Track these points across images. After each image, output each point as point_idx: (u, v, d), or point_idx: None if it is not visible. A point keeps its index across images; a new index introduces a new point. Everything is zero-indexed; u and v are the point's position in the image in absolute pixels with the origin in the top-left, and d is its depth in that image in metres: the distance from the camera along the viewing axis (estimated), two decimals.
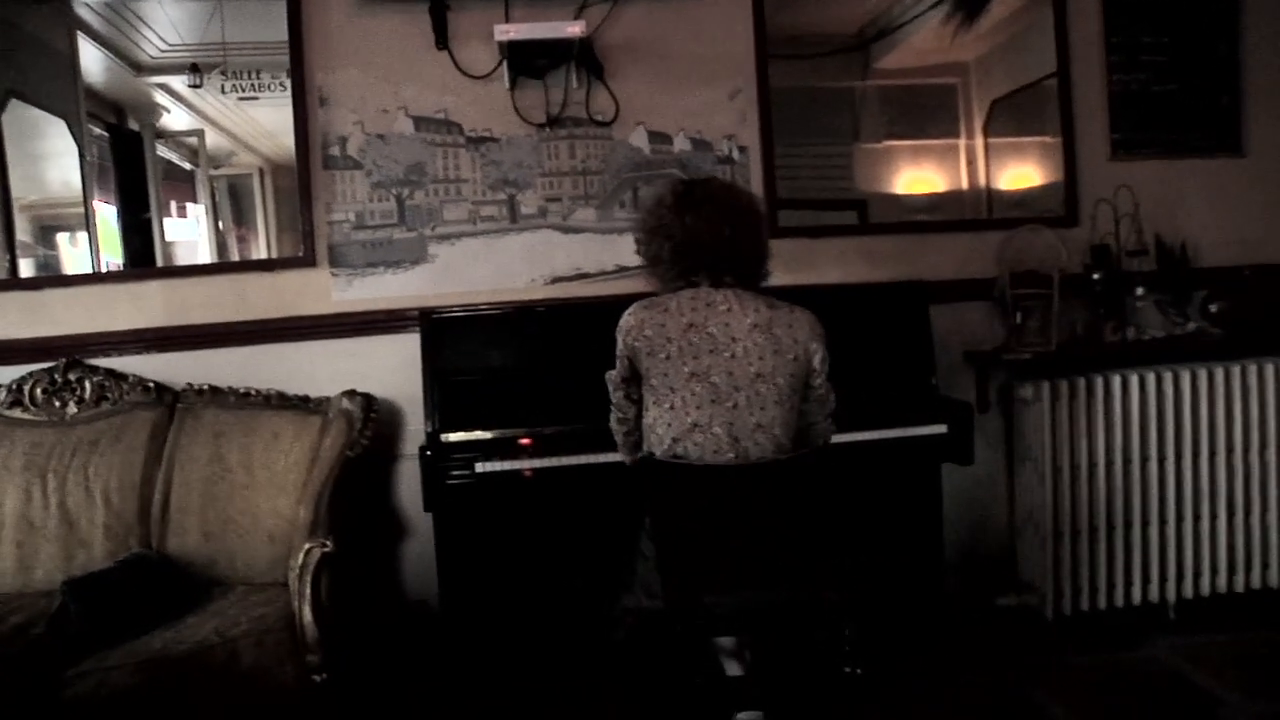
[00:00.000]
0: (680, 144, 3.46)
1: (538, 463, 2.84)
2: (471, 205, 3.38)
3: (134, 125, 3.31)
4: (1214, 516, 3.46)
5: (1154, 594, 3.43)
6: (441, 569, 3.07)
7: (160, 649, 2.41)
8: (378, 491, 3.35)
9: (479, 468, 2.82)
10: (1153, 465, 3.40)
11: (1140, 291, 3.50)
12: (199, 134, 3.32)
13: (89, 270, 3.28)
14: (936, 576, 3.29)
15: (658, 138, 3.46)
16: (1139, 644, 3.24)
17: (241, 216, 3.37)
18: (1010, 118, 3.63)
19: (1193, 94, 3.75)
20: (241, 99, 3.29)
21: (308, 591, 2.55)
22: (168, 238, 3.33)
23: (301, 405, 3.18)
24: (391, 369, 3.31)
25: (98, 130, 3.27)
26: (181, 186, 3.31)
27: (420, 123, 3.35)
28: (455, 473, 2.82)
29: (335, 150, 3.32)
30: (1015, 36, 3.63)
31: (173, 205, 3.33)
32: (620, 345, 2.34)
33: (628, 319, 2.33)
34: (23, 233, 3.28)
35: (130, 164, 3.27)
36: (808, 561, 2.30)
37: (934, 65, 3.64)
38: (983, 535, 3.65)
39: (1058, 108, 3.67)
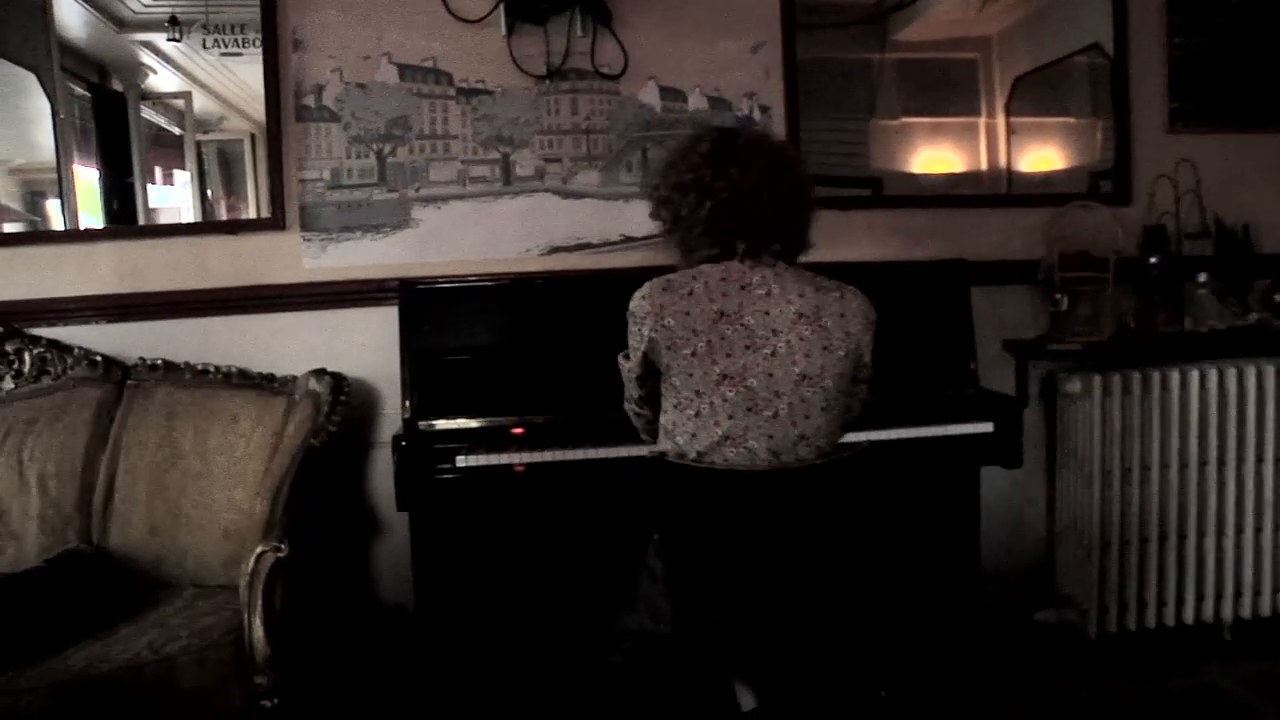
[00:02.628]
0: (696, 102, 3.11)
1: (530, 456, 2.50)
2: (461, 165, 3.03)
3: (118, 86, 3.00)
4: (1277, 528, 3.13)
5: (1208, 612, 3.11)
6: (418, 577, 2.74)
7: (82, 668, 2.06)
8: (350, 482, 3.01)
9: (462, 461, 2.47)
10: (1211, 470, 3.07)
11: (1203, 278, 3.16)
12: (186, 96, 3.01)
13: None
14: (972, 591, 2.97)
15: (670, 94, 3.10)
16: (1192, 669, 2.91)
17: (232, 184, 3.05)
18: (1034, 96, 3.35)
19: (1259, 61, 3.40)
20: (224, 54, 2.96)
21: (259, 602, 2.20)
22: (151, 204, 3.02)
23: (265, 385, 2.84)
24: (368, 346, 2.97)
25: (79, 90, 2.97)
26: (170, 152, 3.03)
27: (405, 71, 2.99)
28: (435, 466, 2.48)
29: (309, 100, 2.96)
30: (1043, 9, 3.34)
31: (159, 171, 3.04)
32: (635, 334, 1.94)
33: (643, 304, 1.92)
34: (9, 197, 2.97)
35: (114, 126, 2.99)
36: (845, 584, 1.97)
37: (955, 39, 3.35)
38: (1018, 542, 3.32)
39: (1088, 84, 3.37)
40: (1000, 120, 3.34)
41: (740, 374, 1.86)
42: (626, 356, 2.02)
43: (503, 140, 3.04)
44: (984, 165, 3.33)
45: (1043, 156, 3.39)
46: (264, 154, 2.96)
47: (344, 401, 2.71)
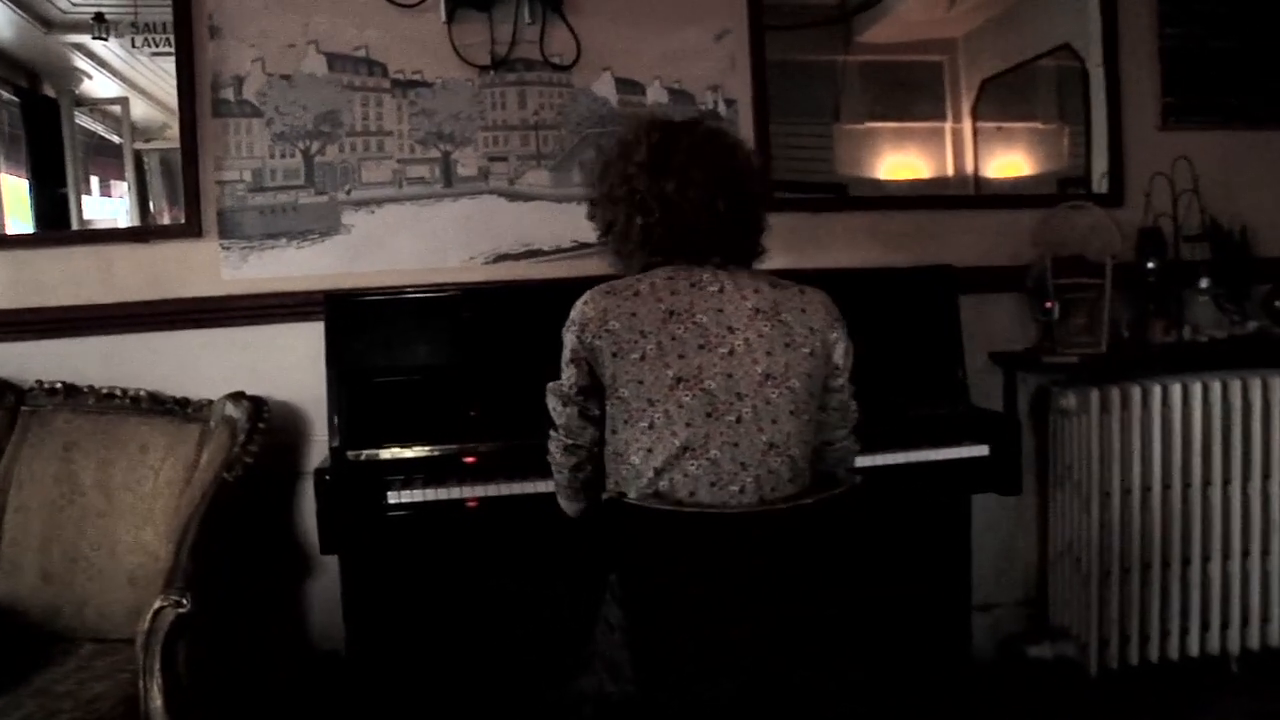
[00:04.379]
0: (655, 94, 2.84)
1: (476, 490, 2.21)
2: (396, 164, 2.75)
3: (50, 91, 2.74)
4: None
5: (1214, 644, 2.88)
6: (350, 625, 2.44)
7: None
8: (276, 517, 2.71)
9: (395, 496, 2.19)
10: (1215, 489, 2.85)
11: (1204, 284, 2.94)
12: (123, 102, 2.74)
13: None
14: (962, 628, 2.72)
15: (627, 86, 2.84)
16: (1203, 708, 2.69)
17: (176, 195, 2.74)
18: (1002, 100, 3.18)
19: (1255, 54, 3.20)
20: (155, 54, 2.68)
21: (156, 665, 1.90)
22: (85, 216, 2.74)
23: (179, 410, 2.53)
24: (295, 366, 2.67)
25: (6, 95, 2.72)
26: (110, 161, 2.78)
27: (335, 61, 2.71)
28: (366, 502, 2.19)
29: (228, 93, 2.67)
30: (1011, 9, 3.17)
31: (97, 181, 2.78)
32: (573, 345, 1.73)
33: (584, 310, 1.73)
34: None
35: (46, 134, 2.74)
36: (831, 633, 1.72)
37: (920, 41, 3.19)
38: (1007, 571, 3.08)
39: (1056, 88, 3.20)
40: (967, 125, 3.16)
41: (695, 376, 1.65)
42: (559, 382, 1.79)
43: (443, 137, 2.76)
44: (950, 171, 3.15)
45: (1010, 162, 3.20)
46: None
47: (263, 429, 2.42)
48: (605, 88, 2.83)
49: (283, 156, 2.70)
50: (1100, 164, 3.14)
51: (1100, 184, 3.13)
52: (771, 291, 1.74)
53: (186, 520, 2.17)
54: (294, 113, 2.70)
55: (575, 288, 2.52)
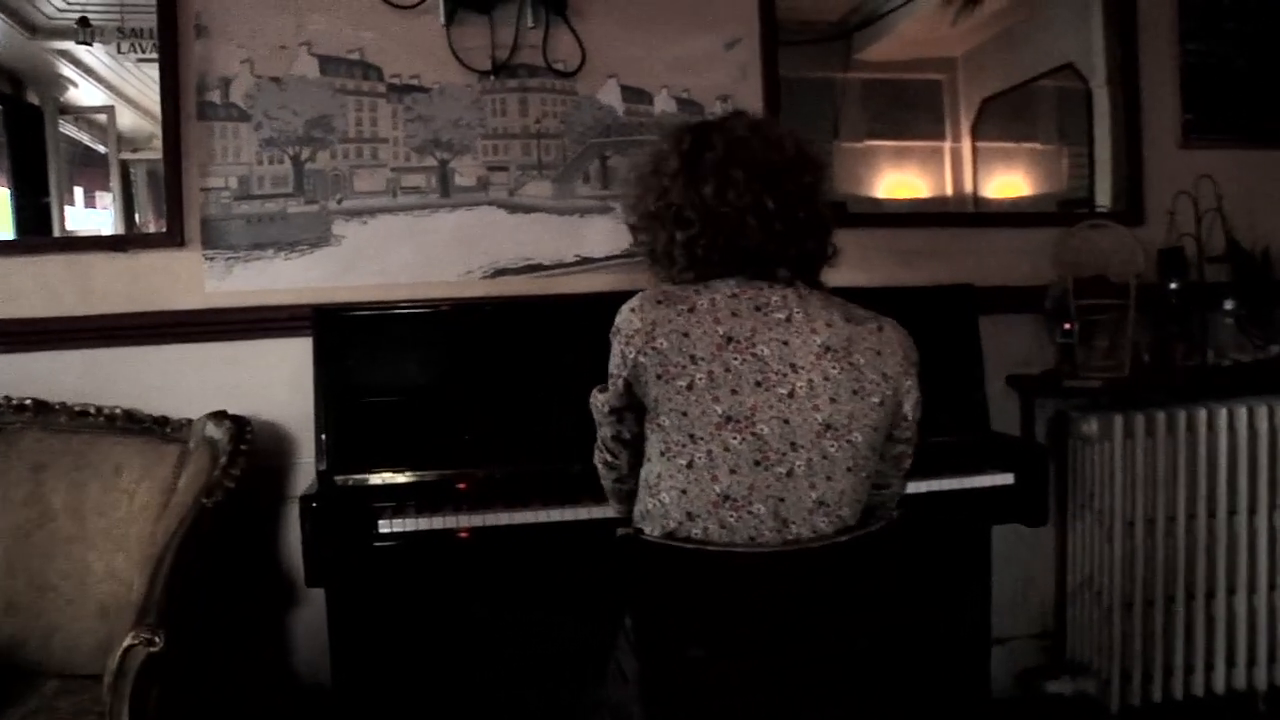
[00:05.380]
0: (662, 103, 2.73)
1: (474, 520, 2.07)
2: (391, 173, 2.62)
3: (34, 99, 2.61)
4: None
5: (1239, 681, 2.76)
6: (336, 660, 2.29)
7: None
8: (260, 544, 2.56)
9: (387, 526, 2.04)
10: (1241, 519, 2.74)
11: (1229, 306, 2.84)
12: (109, 111, 2.61)
13: None
14: (981, 664, 2.59)
15: (634, 95, 2.72)
16: None
17: (163, 208, 2.60)
18: (1002, 120, 3.11)
19: (1275, 70, 3.11)
20: (141, 60, 2.55)
21: (125, 709, 1.75)
22: (69, 227, 2.62)
23: (157, 430, 2.40)
24: (282, 384, 2.53)
25: None
26: (96, 171, 2.66)
27: (327, 64, 2.58)
28: (355, 531, 2.05)
29: (215, 95, 2.53)
30: (1012, 29, 3.09)
31: (81, 192, 2.65)
32: (617, 356, 1.54)
33: (631, 318, 1.53)
34: None
35: (30, 143, 2.63)
36: (856, 675, 1.58)
37: (920, 59, 3.12)
38: (1023, 603, 2.95)
39: (1056, 109, 3.13)
40: (966, 144, 3.07)
41: (748, 417, 1.46)
42: (604, 389, 1.62)
43: (440, 145, 2.63)
44: (949, 191, 3.05)
45: (1009, 183, 3.11)
46: None
47: (246, 451, 2.27)
48: (611, 95, 2.71)
49: (271, 163, 2.56)
50: (1104, 185, 3.05)
51: (1108, 205, 3.03)
52: (845, 326, 1.52)
53: (162, 548, 2.02)
54: (284, 117, 2.56)
55: (578, 305, 2.42)
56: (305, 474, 2.51)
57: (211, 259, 2.55)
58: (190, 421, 2.38)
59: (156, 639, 1.79)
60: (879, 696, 1.69)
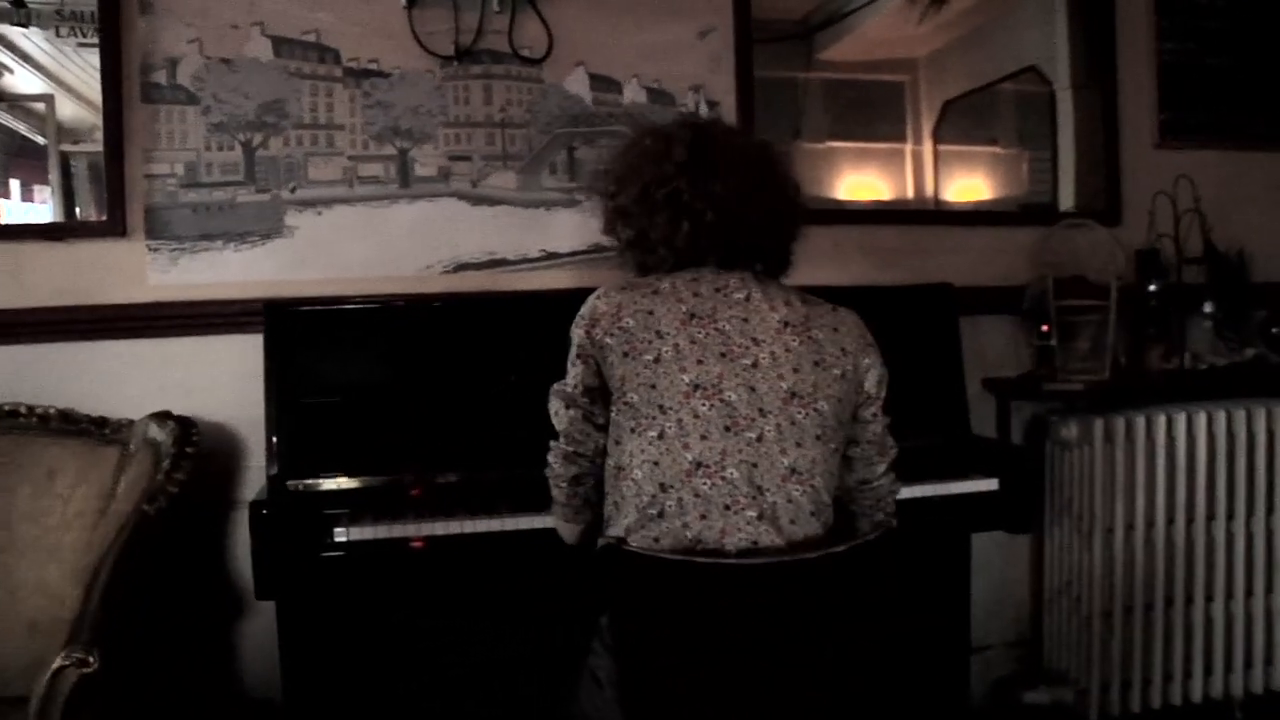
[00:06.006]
0: (632, 93, 2.63)
1: (433, 528, 1.95)
2: (348, 161, 2.49)
3: None
4: None
5: (1217, 688, 2.71)
6: (288, 676, 2.15)
7: None
8: (206, 552, 2.42)
9: (343, 534, 1.92)
10: (1219, 524, 2.69)
11: (1208, 308, 2.79)
12: (48, 100, 2.45)
13: None
14: (960, 675, 2.52)
15: (603, 83, 2.61)
16: None
17: (105, 202, 2.44)
18: (963, 123, 3.07)
19: (1253, 72, 3.08)
20: (82, 45, 2.40)
21: None
22: (2, 221, 2.46)
23: (94, 431, 2.24)
24: (230, 383, 2.39)
25: None
26: (33, 164, 2.50)
27: (281, 45, 2.44)
28: (309, 540, 1.92)
29: (160, 76, 2.39)
30: (975, 31, 3.06)
31: (16, 184, 2.49)
32: (580, 341, 1.58)
33: (596, 304, 1.58)
34: None
35: None
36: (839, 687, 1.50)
37: (883, 60, 3.09)
38: (998, 611, 2.88)
39: (1017, 112, 3.10)
40: (927, 147, 3.03)
41: (715, 385, 1.49)
42: (568, 376, 1.60)
43: (400, 133, 2.51)
44: (911, 193, 3.01)
45: (969, 186, 3.07)
46: None
47: (192, 454, 2.13)
48: (579, 84, 2.60)
49: (220, 149, 2.42)
50: (1068, 189, 3.01)
51: (1072, 209, 2.98)
52: (802, 306, 1.59)
53: (99, 559, 1.88)
54: (234, 101, 2.43)
55: (543, 301, 2.32)
56: (255, 478, 2.38)
57: (156, 250, 2.40)
58: (131, 422, 2.23)
59: (90, 659, 1.65)
60: (859, 706, 1.62)
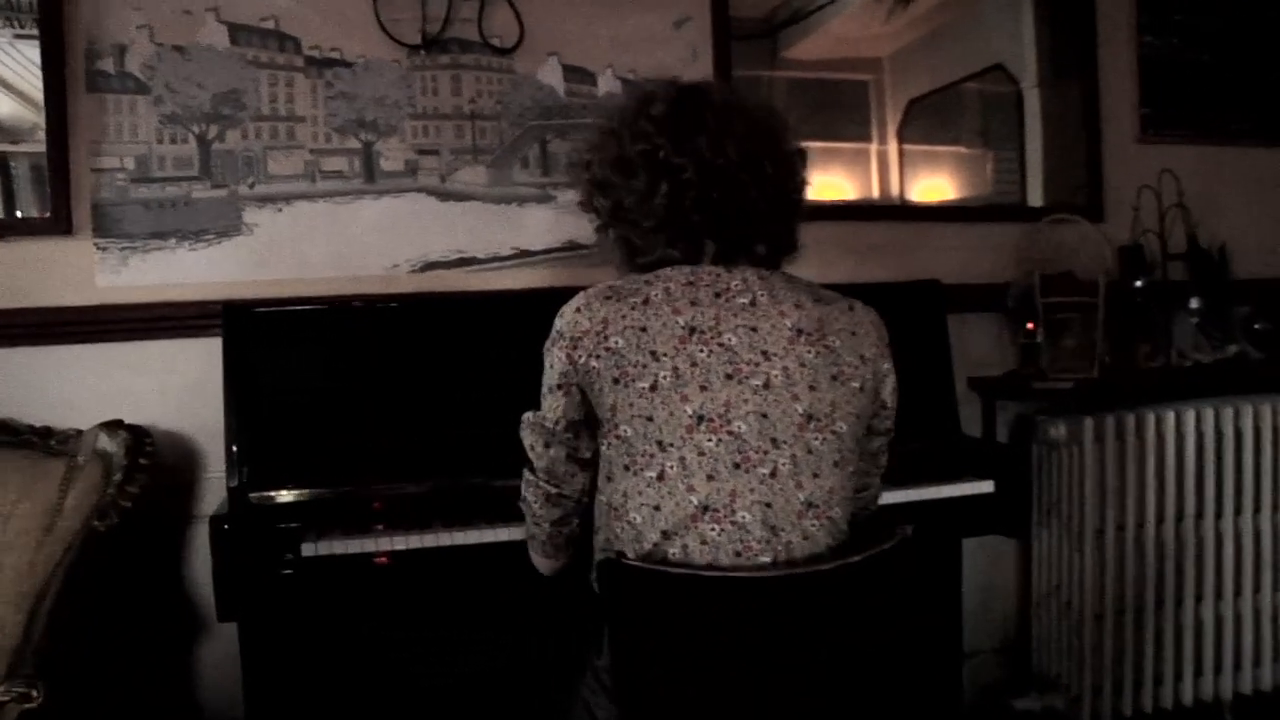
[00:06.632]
0: (607, 84, 2.53)
1: (410, 541, 1.84)
2: (310, 155, 2.36)
3: None
4: (1276, 588, 2.72)
5: (1206, 690, 2.67)
6: (252, 704, 2.03)
7: None
8: (163, 570, 2.28)
9: (309, 550, 1.80)
10: (1208, 525, 2.65)
11: (1195, 304, 2.75)
12: None
13: None
14: (952, 683, 2.45)
15: (576, 74, 2.51)
16: None
17: (48, 206, 2.27)
18: (928, 122, 3.01)
19: (1229, 66, 3.05)
20: (20, 36, 2.24)
21: None
22: None
23: (38, 442, 2.09)
24: (186, 389, 2.26)
25: None
26: None
27: (238, 32, 2.31)
28: (272, 556, 1.79)
29: (108, 64, 2.25)
30: (941, 29, 3.00)
31: None
32: (562, 369, 1.38)
33: (576, 319, 1.37)
34: None
35: None
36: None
37: (847, 59, 3.00)
38: (983, 615, 2.82)
39: (981, 111, 3.03)
40: (893, 146, 2.96)
41: (722, 415, 1.30)
42: (546, 404, 1.42)
43: (364, 125, 2.39)
44: (876, 193, 2.93)
45: (933, 186, 3.01)
46: None
47: (146, 465, 2.00)
48: (551, 75, 2.50)
49: (173, 142, 2.29)
50: (1036, 188, 2.96)
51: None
52: (815, 308, 1.39)
53: (44, 582, 1.75)
54: (188, 91, 2.29)
55: (515, 302, 2.21)
56: (214, 491, 2.24)
57: (104, 249, 2.26)
58: (79, 432, 2.09)
59: (34, 692, 1.52)
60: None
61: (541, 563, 1.53)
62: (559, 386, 1.38)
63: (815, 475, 1.33)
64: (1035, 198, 2.96)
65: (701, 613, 1.24)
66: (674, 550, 1.29)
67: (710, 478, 1.29)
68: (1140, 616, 2.60)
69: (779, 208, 1.45)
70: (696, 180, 1.37)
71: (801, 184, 1.50)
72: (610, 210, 1.45)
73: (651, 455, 1.30)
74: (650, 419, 1.30)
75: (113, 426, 2.05)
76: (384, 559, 1.82)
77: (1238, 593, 2.69)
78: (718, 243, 1.42)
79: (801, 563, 1.30)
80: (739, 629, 1.24)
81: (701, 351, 1.31)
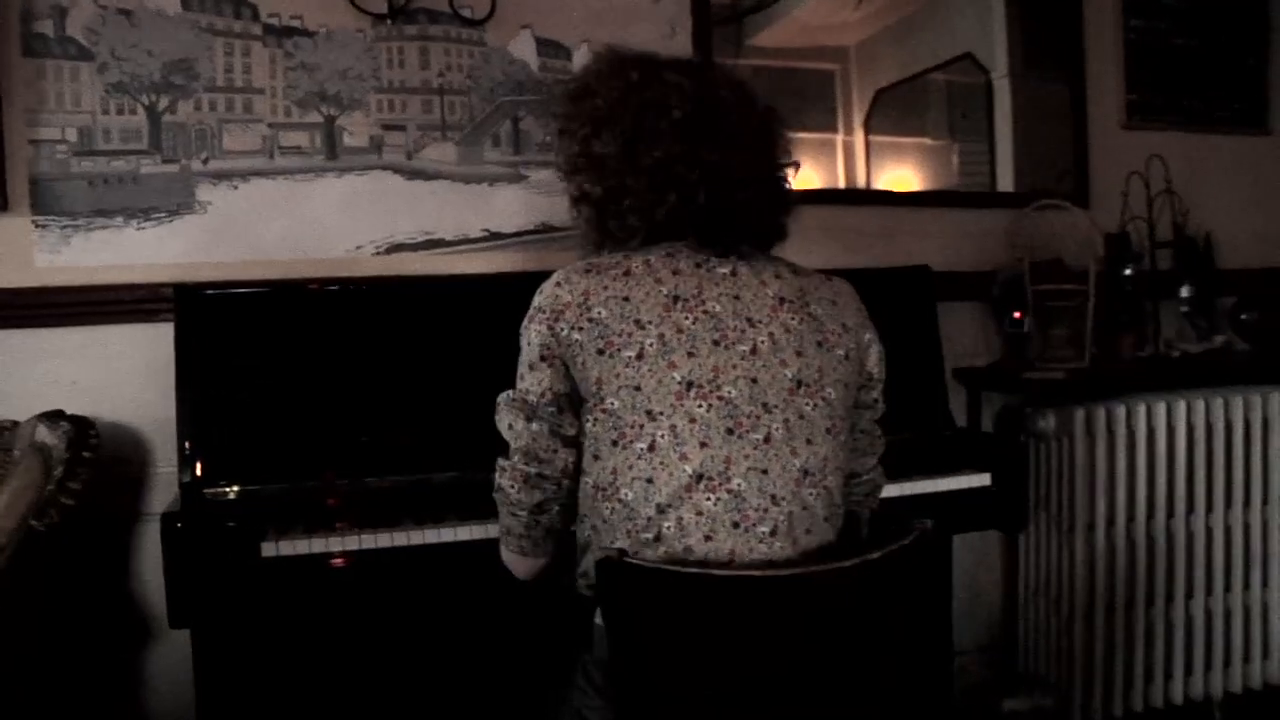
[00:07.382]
0: (582, 59, 2.40)
1: (380, 539, 1.70)
2: (267, 129, 2.22)
3: None
4: (1266, 584, 2.67)
5: (1197, 688, 2.60)
6: (204, 713, 1.89)
7: None
8: (108, 572, 2.13)
9: (269, 549, 1.66)
10: (1199, 519, 2.59)
11: (1185, 293, 2.69)
12: None
13: None
14: (942, 685, 2.36)
15: (550, 48, 2.40)
16: None
17: None
18: (894, 112, 2.95)
19: (1216, 52, 3.01)
20: None
21: None
22: None
23: None
24: (134, 378, 2.13)
25: None
26: None
27: None
28: (229, 557, 1.66)
29: (46, 27, 2.09)
30: (908, 19, 2.94)
31: None
32: (542, 340, 1.32)
33: (556, 292, 1.32)
34: None
35: None
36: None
37: (813, 48, 2.93)
38: (968, 613, 2.74)
39: (947, 102, 2.98)
40: (859, 137, 2.89)
41: (711, 380, 1.27)
42: (527, 379, 1.34)
43: (326, 98, 2.25)
44: (842, 184, 2.85)
45: (899, 177, 2.94)
46: None
47: (90, 459, 1.85)
48: (524, 48, 2.38)
49: (120, 113, 2.13)
50: (1007, 179, 2.89)
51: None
52: (795, 278, 1.38)
53: None
54: (136, 58, 2.14)
55: (486, 286, 2.10)
56: (165, 487, 2.11)
57: (44, 227, 2.10)
58: (15, 424, 1.93)
59: None
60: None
61: (517, 563, 1.41)
62: (541, 359, 1.32)
63: (809, 441, 1.30)
64: (1005, 189, 2.89)
65: (716, 613, 1.14)
66: (668, 524, 1.23)
67: (703, 444, 1.25)
68: (1130, 613, 2.53)
69: (771, 213, 1.43)
70: (705, 200, 1.34)
71: (787, 186, 1.47)
72: (601, 196, 1.38)
73: (641, 426, 1.25)
74: (638, 388, 1.26)
75: (53, 417, 1.89)
76: (347, 559, 1.69)
77: (1228, 588, 2.63)
78: (704, 241, 1.36)
79: (805, 543, 1.27)
80: (754, 628, 1.15)
81: (687, 319, 1.28)
